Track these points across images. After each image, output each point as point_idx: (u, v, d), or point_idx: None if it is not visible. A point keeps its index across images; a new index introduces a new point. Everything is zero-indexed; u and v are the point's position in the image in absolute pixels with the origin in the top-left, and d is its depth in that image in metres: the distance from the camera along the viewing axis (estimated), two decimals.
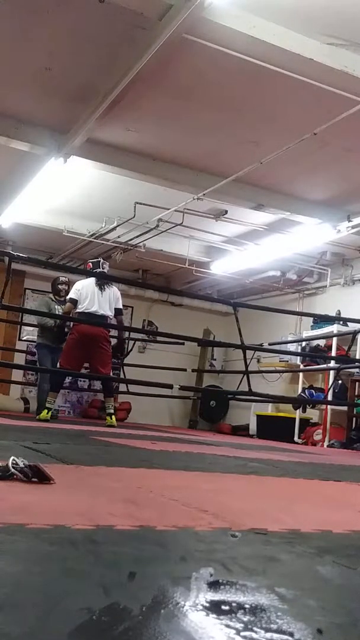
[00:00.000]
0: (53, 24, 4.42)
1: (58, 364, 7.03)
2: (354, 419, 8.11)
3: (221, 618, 0.75)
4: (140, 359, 10.30)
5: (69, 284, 7.58)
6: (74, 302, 6.82)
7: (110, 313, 6.91)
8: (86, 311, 6.74)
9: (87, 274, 7.58)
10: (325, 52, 4.28)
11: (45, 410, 6.64)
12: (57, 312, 7.44)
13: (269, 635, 0.71)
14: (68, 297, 6.96)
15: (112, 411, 6.84)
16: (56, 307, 7.55)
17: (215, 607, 0.78)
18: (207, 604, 0.79)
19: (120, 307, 7.05)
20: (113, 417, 6.80)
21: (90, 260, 7.31)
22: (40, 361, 7.70)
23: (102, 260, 7.29)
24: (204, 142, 6.20)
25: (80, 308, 6.78)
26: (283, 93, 4.96)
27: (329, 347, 8.58)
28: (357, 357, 8.06)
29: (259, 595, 0.86)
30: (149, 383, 6.22)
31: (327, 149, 5.90)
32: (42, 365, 7.60)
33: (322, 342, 8.92)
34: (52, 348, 7.51)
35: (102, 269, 7.09)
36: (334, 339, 8.39)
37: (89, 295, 6.80)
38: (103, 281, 6.92)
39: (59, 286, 7.72)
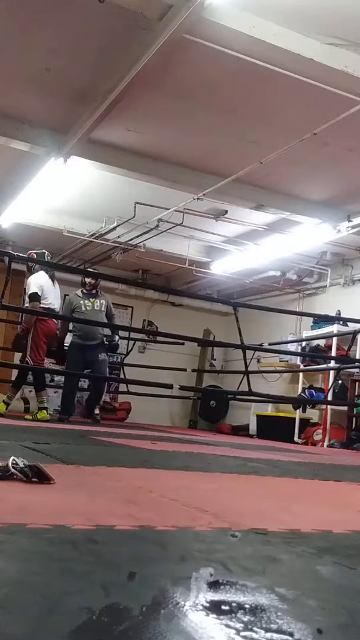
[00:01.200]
0: (53, 24, 4.42)
1: (30, 360, 6.63)
2: (354, 419, 8.11)
3: (221, 618, 0.75)
4: (140, 359, 10.30)
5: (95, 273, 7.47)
6: (39, 298, 6.59)
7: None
8: (51, 307, 6.69)
9: (86, 273, 7.56)
10: (325, 52, 4.28)
11: (44, 411, 6.63)
12: (84, 308, 7.21)
13: (269, 635, 0.71)
14: (31, 292, 6.61)
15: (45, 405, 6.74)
16: (83, 302, 7.28)
17: (215, 607, 0.78)
18: (207, 604, 0.79)
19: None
20: (44, 411, 6.67)
21: (35, 251, 6.93)
22: (67, 359, 7.41)
23: (44, 250, 7.09)
24: (204, 142, 6.20)
25: (45, 304, 6.63)
26: (283, 93, 4.96)
27: (329, 347, 8.58)
28: (357, 357, 8.05)
29: (259, 595, 0.86)
30: (149, 383, 6.22)
31: (327, 149, 5.90)
32: (70, 367, 7.33)
33: (322, 342, 8.92)
34: (83, 346, 7.22)
35: (48, 259, 7.00)
36: (334, 339, 8.39)
37: (50, 291, 6.72)
38: (54, 274, 6.88)
39: (85, 279, 7.47)
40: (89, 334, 7.21)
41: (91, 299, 7.34)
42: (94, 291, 7.44)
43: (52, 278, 6.83)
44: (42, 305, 6.61)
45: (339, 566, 1.10)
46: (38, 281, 6.68)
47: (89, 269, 8.17)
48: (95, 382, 7.69)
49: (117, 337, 7.68)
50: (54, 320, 6.85)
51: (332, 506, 2.10)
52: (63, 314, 7.41)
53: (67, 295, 7.76)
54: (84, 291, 7.41)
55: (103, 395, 7.79)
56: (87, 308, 7.27)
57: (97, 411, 7.41)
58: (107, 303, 7.52)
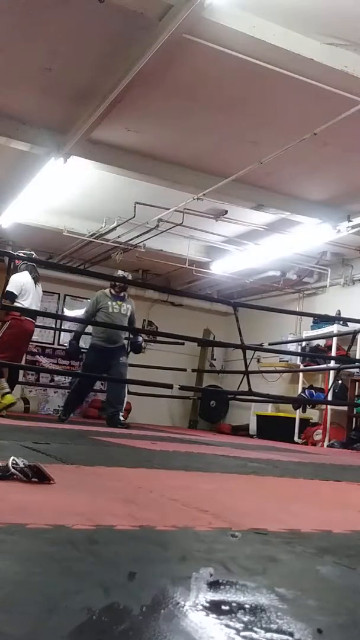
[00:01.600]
0: (53, 24, 4.42)
1: None
2: (354, 419, 8.11)
3: (221, 618, 0.75)
4: (140, 359, 10.28)
5: (125, 279, 7.23)
6: (14, 297, 6.43)
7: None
8: (29, 308, 6.57)
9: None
10: (325, 52, 4.28)
11: (8, 395, 6.57)
12: (111, 309, 6.96)
13: (269, 635, 0.71)
14: (7, 290, 6.41)
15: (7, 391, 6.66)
16: (111, 303, 6.99)
17: (215, 607, 0.78)
18: (207, 604, 0.79)
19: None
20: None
21: (24, 251, 6.79)
22: (85, 362, 7.23)
23: (32, 252, 6.98)
24: (204, 142, 6.20)
25: (24, 304, 6.50)
26: (283, 93, 4.96)
27: (329, 347, 8.58)
28: (357, 357, 8.05)
29: (259, 595, 0.86)
30: (149, 383, 6.22)
31: (327, 149, 5.90)
32: (84, 367, 7.14)
33: (322, 342, 8.92)
34: (103, 349, 6.94)
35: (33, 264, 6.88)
36: (334, 339, 8.39)
37: (30, 292, 6.61)
38: (37, 275, 6.79)
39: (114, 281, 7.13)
40: (112, 336, 6.98)
41: (119, 302, 7.09)
42: (122, 294, 7.18)
43: (36, 280, 6.75)
44: (20, 306, 6.49)
45: (339, 566, 1.10)
46: (19, 280, 6.58)
47: (121, 273, 7.39)
48: (110, 385, 7.40)
49: (140, 338, 7.52)
50: (31, 320, 6.73)
51: (332, 506, 2.10)
52: (87, 310, 7.25)
53: (60, 296, 7.63)
54: (113, 292, 7.12)
55: (124, 399, 7.23)
56: (115, 310, 7.02)
57: (121, 417, 7.03)
58: (132, 309, 7.29)
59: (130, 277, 7.37)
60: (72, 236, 8.85)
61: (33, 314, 6.68)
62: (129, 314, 7.19)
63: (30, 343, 10.60)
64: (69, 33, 4.53)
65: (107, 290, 7.19)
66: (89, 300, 7.58)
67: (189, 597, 0.82)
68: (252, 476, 2.82)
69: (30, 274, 6.72)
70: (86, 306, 7.35)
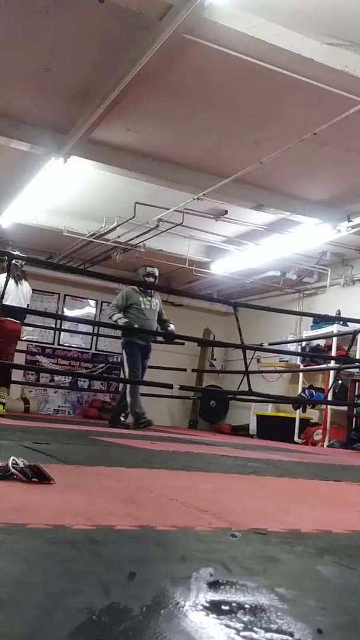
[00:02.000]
0: (53, 24, 4.42)
1: None
2: (354, 419, 8.11)
3: (221, 618, 0.75)
4: None
5: (154, 276, 7.18)
6: None
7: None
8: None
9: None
10: (325, 52, 4.28)
11: (1, 406, 6.58)
12: (143, 305, 6.97)
13: (269, 635, 0.71)
14: None
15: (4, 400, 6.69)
16: (142, 299, 7.02)
17: (215, 607, 0.78)
18: (207, 604, 0.79)
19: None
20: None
21: (15, 252, 6.66)
22: (129, 361, 7.03)
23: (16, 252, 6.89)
24: (204, 142, 6.19)
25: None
26: (283, 93, 4.96)
27: (329, 347, 8.58)
28: (357, 357, 8.06)
29: (259, 595, 0.86)
30: (149, 383, 6.22)
31: (327, 149, 5.90)
32: (132, 367, 6.96)
33: (322, 342, 8.93)
34: (140, 346, 6.98)
35: (17, 263, 6.77)
36: (334, 339, 8.39)
37: (9, 293, 6.49)
38: (19, 275, 6.75)
39: (145, 278, 7.17)
40: (147, 334, 7.00)
41: (148, 297, 7.11)
42: (148, 290, 7.19)
43: (17, 279, 6.70)
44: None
45: (339, 566, 1.10)
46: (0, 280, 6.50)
47: (149, 270, 7.33)
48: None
49: (172, 326, 7.39)
50: (14, 321, 6.70)
51: (332, 506, 2.10)
52: (117, 305, 7.10)
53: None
54: (142, 288, 7.13)
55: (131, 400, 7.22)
56: (146, 306, 7.04)
57: (122, 417, 7.11)
58: (160, 304, 7.31)
59: (157, 273, 7.35)
60: (72, 236, 8.85)
61: (13, 312, 6.60)
62: (158, 309, 7.23)
63: (30, 343, 10.68)
64: (68, 33, 4.53)
65: (134, 287, 7.20)
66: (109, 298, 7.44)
67: (189, 597, 0.82)
68: (252, 476, 2.82)
69: (13, 273, 6.65)
70: (115, 300, 7.25)
